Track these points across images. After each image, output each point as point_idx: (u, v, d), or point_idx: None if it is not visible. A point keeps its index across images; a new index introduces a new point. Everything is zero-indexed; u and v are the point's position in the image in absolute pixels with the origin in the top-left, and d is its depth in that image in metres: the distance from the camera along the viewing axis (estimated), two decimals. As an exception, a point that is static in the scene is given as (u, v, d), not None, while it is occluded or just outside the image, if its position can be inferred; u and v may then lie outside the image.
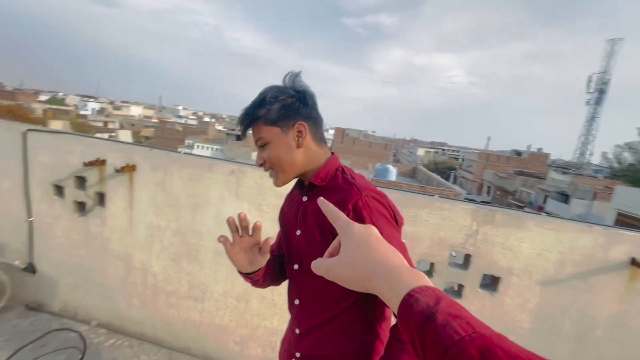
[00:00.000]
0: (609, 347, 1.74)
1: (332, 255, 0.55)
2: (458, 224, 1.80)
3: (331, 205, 0.56)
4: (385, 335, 0.92)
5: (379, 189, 0.90)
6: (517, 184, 29.19)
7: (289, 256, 1.00)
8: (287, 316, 1.13)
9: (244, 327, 2.21)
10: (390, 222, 0.85)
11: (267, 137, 0.90)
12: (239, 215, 0.85)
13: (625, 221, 15.55)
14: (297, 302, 0.98)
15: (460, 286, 1.90)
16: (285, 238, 1.02)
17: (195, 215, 2.15)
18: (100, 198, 2.30)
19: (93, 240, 2.37)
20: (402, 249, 0.82)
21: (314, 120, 0.94)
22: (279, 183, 0.95)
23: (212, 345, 2.28)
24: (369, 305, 0.91)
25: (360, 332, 0.91)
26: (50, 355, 2.09)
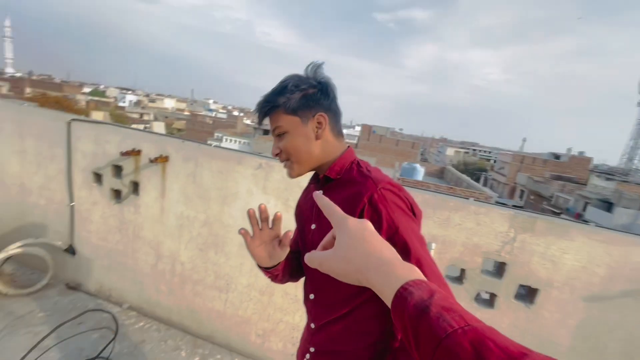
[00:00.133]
0: (661, 373, 1.58)
1: (325, 248, 0.56)
2: (494, 230, 1.70)
3: (326, 199, 0.56)
4: None
5: (398, 183, 0.87)
6: (553, 188, 27.53)
7: (304, 250, 0.98)
8: (309, 313, 1.11)
9: (266, 321, 2.23)
10: (408, 215, 0.80)
11: (285, 126, 0.89)
12: (259, 207, 0.85)
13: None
14: (312, 296, 0.97)
15: (493, 295, 1.80)
16: (301, 232, 1.01)
17: (224, 207, 2.18)
18: (135, 187, 2.39)
19: (127, 227, 2.47)
20: (421, 241, 0.79)
21: (334, 113, 0.92)
22: (293, 174, 0.93)
23: (235, 336, 2.32)
24: (385, 301, 0.88)
25: (375, 329, 0.88)
26: (86, 334, 2.22)
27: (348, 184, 0.88)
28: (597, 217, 20.04)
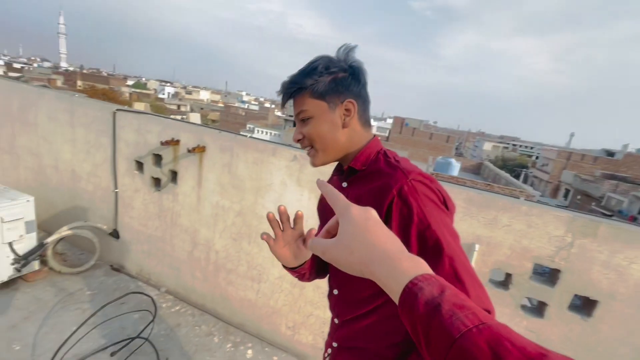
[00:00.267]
0: None
1: (329, 233, 0.54)
2: (547, 233, 1.55)
3: (330, 186, 0.53)
4: None
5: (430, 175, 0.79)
6: (604, 188, 25.30)
7: None
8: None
9: (297, 313, 2.23)
10: (440, 208, 0.73)
11: (311, 110, 0.82)
12: (278, 209, 0.81)
13: None
14: (335, 292, 0.94)
15: (542, 304, 1.65)
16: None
17: (258, 198, 2.18)
18: (173, 175, 2.46)
19: (165, 214, 2.56)
20: (455, 238, 0.72)
21: (364, 100, 0.86)
22: (316, 162, 0.88)
23: (265, 325, 2.34)
24: (391, 297, 0.82)
25: (400, 329, 0.82)
26: (127, 314, 2.34)
27: (375, 176, 0.81)
28: (655, 221, 18.15)
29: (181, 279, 2.62)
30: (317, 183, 0.56)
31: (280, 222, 0.83)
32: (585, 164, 33.20)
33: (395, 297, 0.41)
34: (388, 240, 0.45)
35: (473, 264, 1.67)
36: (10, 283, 2.42)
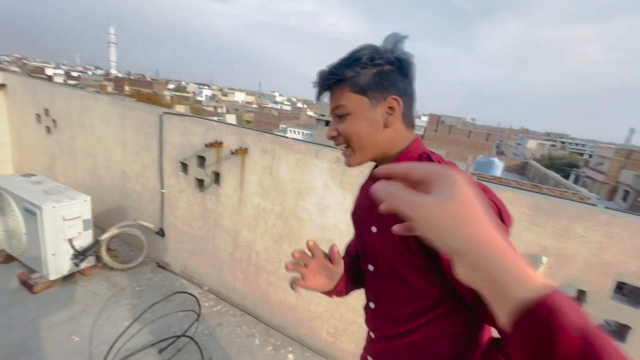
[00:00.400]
0: None
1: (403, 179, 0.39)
2: (634, 247, 1.34)
3: (398, 164, 0.40)
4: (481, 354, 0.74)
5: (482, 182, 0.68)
6: (672, 190, 22.57)
7: (364, 255, 0.86)
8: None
9: (338, 320, 2.16)
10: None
11: (350, 106, 0.74)
12: (293, 255, 0.78)
13: None
14: (372, 305, 0.86)
15: (624, 327, 1.44)
16: (359, 235, 0.88)
17: (299, 201, 2.14)
18: (216, 177, 2.49)
19: (208, 215, 2.61)
20: None
21: (409, 98, 0.76)
22: (353, 162, 0.79)
23: (305, 330, 2.30)
24: (462, 322, 0.73)
25: (445, 350, 0.74)
26: (174, 314, 2.41)
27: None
28: None
29: (223, 278, 2.66)
30: (377, 172, 0.42)
31: (301, 263, 0.80)
32: (648, 163, 29.85)
33: (505, 305, 0.31)
34: (499, 232, 0.35)
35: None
36: (70, 277, 2.59)
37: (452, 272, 0.66)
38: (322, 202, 2.06)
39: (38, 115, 3.64)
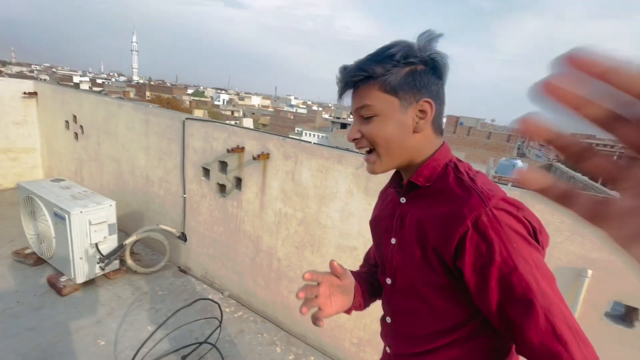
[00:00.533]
0: None
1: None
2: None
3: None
4: None
5: (511, 197, 0.61)
6: None
7: (382, 266, 0.81)
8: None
9: (362, 330, 2.09)
10: (531, 243, 0.58)
11: (378, 107, 0.67)
12: (297, 296, 0.75)
13: None
14: (388, 319, 0.81)
15: (682, 348, 1.31)
16: (378, 245, 0.83)
17: (321, 207, 2.10)
18: (238, 182, 2.49)
19: (229, 220, 2.61)
20: (549, 279, 0.57)
21: (441, 102, 0.70)
22: (377, 169, 0.72)
23: (328, 339, 2.25)
24: (486, 347, 0.67)
25: None
26: (197, 321, 2.41)
27: (442, 196, 0.66)
28: None
29: (243, 284, 2.64)
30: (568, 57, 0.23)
31: (312, 292, 0.77)
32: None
33: None
34: None
35: (584, 294, 1.39)
36: (96, 280, 2.64)
37: (478, 294, 0.60)
38: (345, 208, 2.01)
39: (67, 122, 3.77)
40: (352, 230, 2.01)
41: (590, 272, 1.38)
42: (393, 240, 0.75)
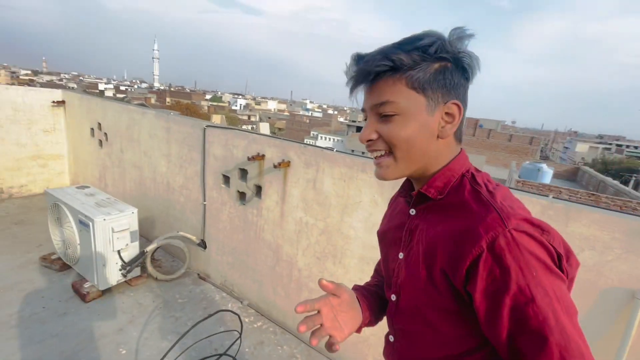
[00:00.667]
0: None
1: None
2: None
3: None
4: None
5: (535, 218, 0.53)
6: None
7: (388, 280, 0.75)
8: None
9: (387, 346, 2.00)
10: (553, 272, 0.51)
11: (401, 104, 0.58)
12: (296, 310, 0.68)
13: None
14: (391, 338, 0.76)
15: None
16: (385, 257, 0.78)
17: (344, 216, 2.03)
18: (258, 190, 2.45)
19: (249, 228, 2.57)
20: (570, 313, 0.51)
21: (465, 106, 0.62)
22: (390, 175, 0.63)
23: (350, 354, 2.16)
24: None
25: None
26: (214, 327, 2.38)
27: (456, 210, 0.59)
28: None
29: (263, 293, 2.60)
30: None
31: (315, 321, 0.70)
32: None
33: None
34: None
35: (638, 320, 1.26)
36: (118, 287, 2.66)
37: (487, 322, 0.52)
38: (369, 219, 1.93)
39: (92, 130, 3.87)
40: (377, 241, 1.92)
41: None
42: (401, 255, 0.69)
